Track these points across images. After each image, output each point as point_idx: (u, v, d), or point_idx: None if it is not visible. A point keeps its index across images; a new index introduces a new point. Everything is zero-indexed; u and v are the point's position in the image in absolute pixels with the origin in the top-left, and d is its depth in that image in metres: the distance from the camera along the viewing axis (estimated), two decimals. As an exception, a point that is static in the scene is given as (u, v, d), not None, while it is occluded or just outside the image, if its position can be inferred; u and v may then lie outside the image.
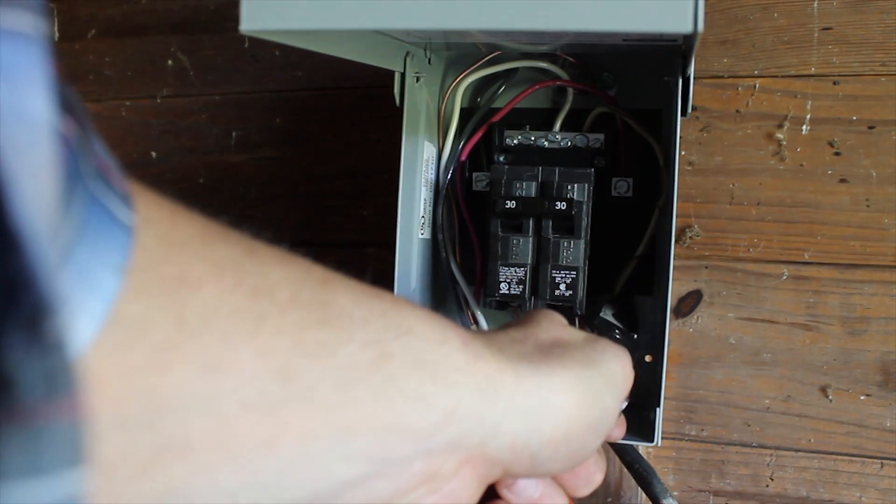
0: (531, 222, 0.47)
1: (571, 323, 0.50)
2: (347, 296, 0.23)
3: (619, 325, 0.46)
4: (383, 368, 0.23)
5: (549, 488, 0.31)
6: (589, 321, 0.47)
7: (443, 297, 0.54)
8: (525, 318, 0.33)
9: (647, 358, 0.49)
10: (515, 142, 0.50)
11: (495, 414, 0.25)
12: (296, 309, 0.21)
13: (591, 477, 0.33)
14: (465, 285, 0.51)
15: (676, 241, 0.51)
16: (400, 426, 0.23)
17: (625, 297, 0.48)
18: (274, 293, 0.20)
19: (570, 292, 0.46)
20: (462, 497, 0.26)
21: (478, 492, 0.27)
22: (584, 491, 0.33)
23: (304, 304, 0.21)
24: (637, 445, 0.46)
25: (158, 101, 0.66)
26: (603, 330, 0.45)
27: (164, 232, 0.19)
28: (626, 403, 0.35)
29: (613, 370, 0.31)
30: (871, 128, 0.50)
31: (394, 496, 0.24)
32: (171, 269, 0.18)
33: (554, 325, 0.32)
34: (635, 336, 0.46)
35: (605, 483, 0.53)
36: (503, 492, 0.30)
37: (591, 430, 0.29)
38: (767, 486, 0.51)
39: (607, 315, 0.46)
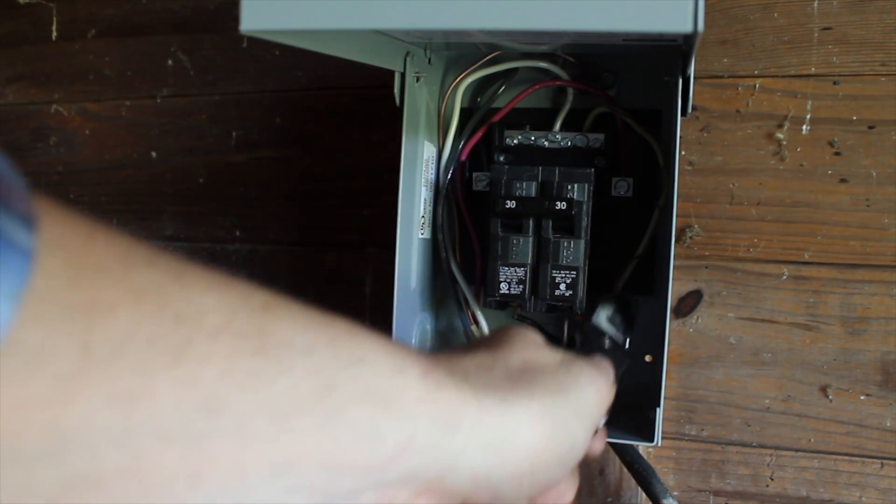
0: (531, 222, 0.47)
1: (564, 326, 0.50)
2: (291, 323, 0.22)
3: (611, 331, 0.45)
4: (328, 399, 0.22)
5: None
6: (583, 324, 0.46)
7: (443, 297, 0.54)
8: (497, 339, 0.32)
9: (647, 358, 0.49)
10: (515, 142, 0.50)
11: (455, 446, 0.25)
12: (228, 336, 0.20)
13: (561, 497, 0.32)
14: (465, 285, 0.51)
15: (676, 241, 0.51)
16: (347, 459, 0.22)
17: (621, 297, 0.48)
18: (202, 320, 0.19)
19: (571, 292, 0.46)
20: None
21: None
22: None
23: (239, 331, 0.20)
24: (637, 445, 0.46)
25: (158, 101, 0.66)
26: (593, 337, 0.45)
27: (74, 256, 0.18)
28: (605, 419, 0.34)
29: (586, 396, 0.30)
30: (871, 128, 0.50)
31: None
32: (79, 295, 0.17)
33: (527, 346, 0.31)
34: (626, 345, 0.45)
35: (605, 483, 0.53)
36: None
37: (559, 462, 0.28)
38: (767, 485, 0.51)
39: (601, 318, 0.45)
